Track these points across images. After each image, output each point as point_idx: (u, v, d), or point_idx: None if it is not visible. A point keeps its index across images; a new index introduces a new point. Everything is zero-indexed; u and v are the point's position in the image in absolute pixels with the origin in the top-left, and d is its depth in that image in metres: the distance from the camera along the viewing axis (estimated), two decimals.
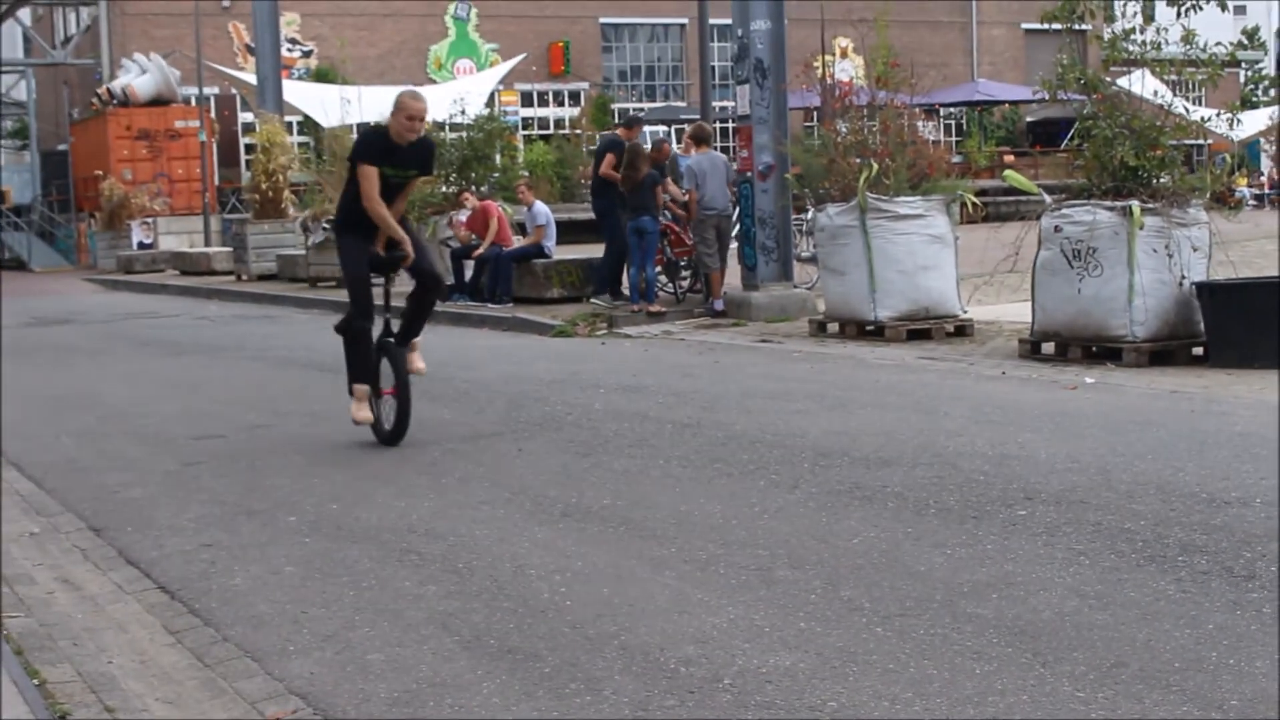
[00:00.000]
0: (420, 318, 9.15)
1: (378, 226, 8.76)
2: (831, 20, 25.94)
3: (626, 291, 17.31)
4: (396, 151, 8.74)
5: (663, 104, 50.10)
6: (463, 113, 23.29)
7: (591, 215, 19.52)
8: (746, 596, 5.30)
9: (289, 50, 40.56)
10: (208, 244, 34.24)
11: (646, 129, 22.84)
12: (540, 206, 19.82)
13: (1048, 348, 11.89)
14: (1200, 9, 11.80)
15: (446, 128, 25.74)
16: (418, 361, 9.09)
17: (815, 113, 22.38)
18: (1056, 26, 12.91)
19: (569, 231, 26.79)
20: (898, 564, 5.64)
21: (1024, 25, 51.34)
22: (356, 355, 8.92)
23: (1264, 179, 57.02)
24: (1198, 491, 6.63)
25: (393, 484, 7.69)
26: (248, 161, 33.95)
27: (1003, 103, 48.97)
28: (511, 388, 11.30)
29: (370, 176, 8.65)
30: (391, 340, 8.97)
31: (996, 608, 5.01)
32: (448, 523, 6.72)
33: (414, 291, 9.15)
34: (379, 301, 8.99)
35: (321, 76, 41.18)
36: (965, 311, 13.89)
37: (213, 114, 39.48)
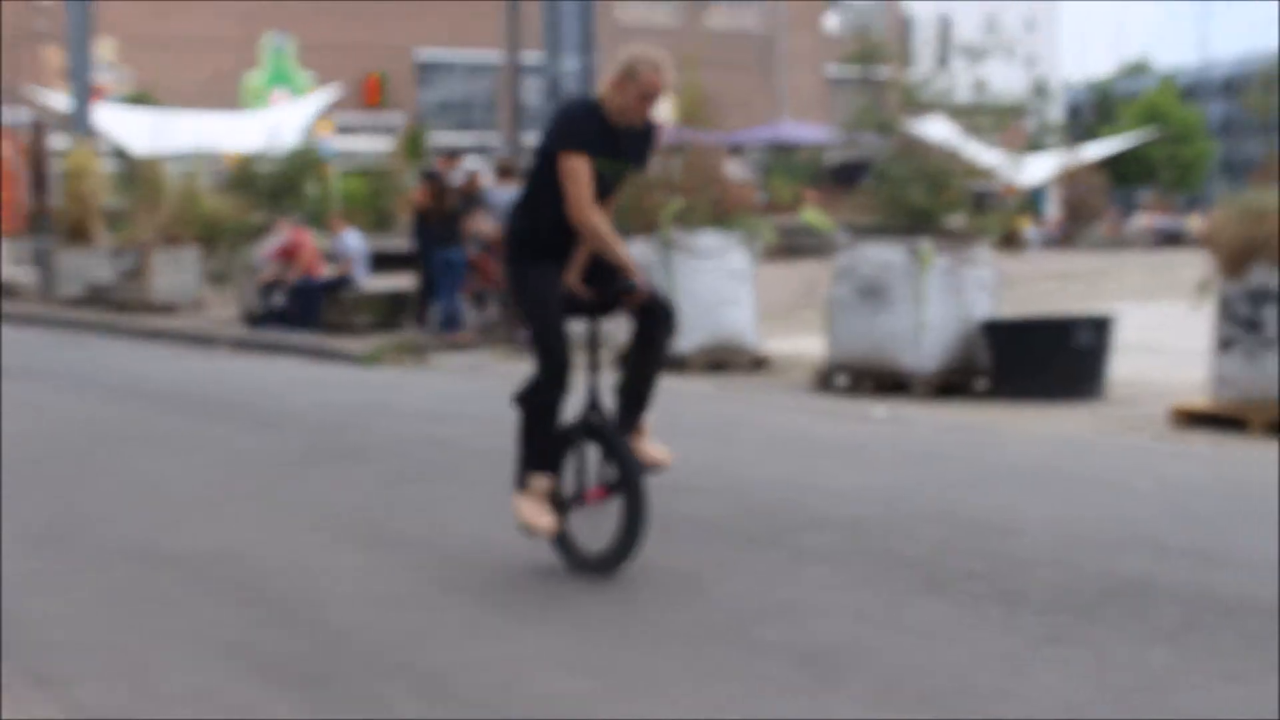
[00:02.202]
0: (649, 378, 6.29)
1: (569, 248, 6.09)
2: None
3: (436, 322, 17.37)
4: (617, 137, 5.99)
5: (476, 138, 50.12)
6: (276, 143, 23.16)
7: (403, 248, 19.56)
8: (543, 622, 5.42)
9: (106, 75, 39.75)
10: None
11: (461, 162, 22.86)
12: (351, 237, 19.79)
13: (841, 381, 12.24)
14: (986, 60, 12.28)
15: (262, 157, 25.53)
16: (653, 448, 6.26)
17: None
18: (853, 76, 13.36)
19: (382, 262, 26.64)
20: (691, 588, 5.82)
21: (829, 72, 52.55)
22: (540, 435, 6.13)
23: (1050, 222, 58.88)
24: (976, 520, 6.94)
25: (198, 511, 7.65)
26: (57, 186, 33.18)
27: (807, 144, 49.92)
28: (319, 416, 11.30)
29: (581, 173, 5.87)
30: (600, 418, 6.18)
31: (783, 632, 5.20)
32: (251, 549, 6.71)
33: (636, 337, 6.23)
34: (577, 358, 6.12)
35: (138, 102, 40.41)
36: (763, 345, 14.24)
37: (23, 138, 38.45)
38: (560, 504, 6.15)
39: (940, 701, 4.48)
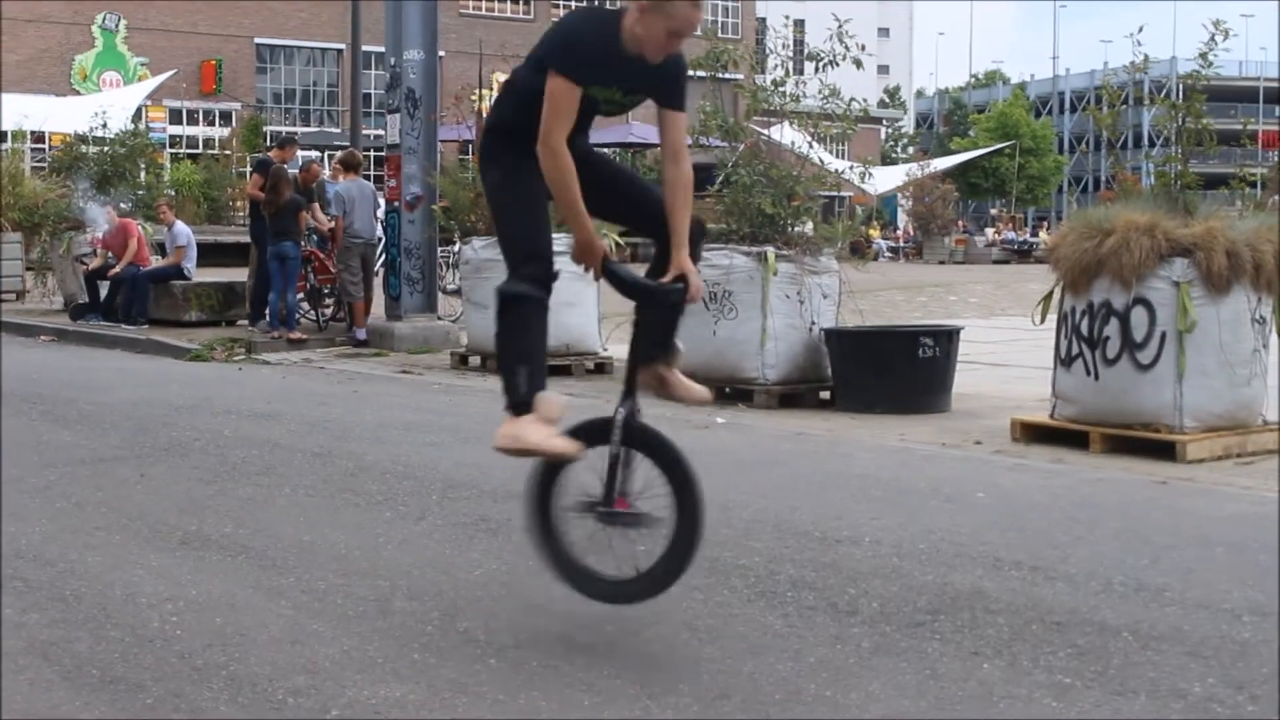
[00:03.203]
0: (667, 322, 5.39)
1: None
2: (490, 55, 26.03)
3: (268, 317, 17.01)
4: (625, 66, 4.93)
5: (317, 129, 49.52)
6: (104, 126, 22.57)
7: (237, 238, 19.21)
8: (362, 627, 5.23)
9: None
10: None
11: (299, 152, 22.57)
12: (181, 227, 19.37)
13: None
14: (837, 65, 12.26)
15: (90, 141, 24.89)
16: (691, 385, 5.42)
17: (470, 145, 22.49)
18: (703, 74, 13.26)
19: (214, 254, 26.20)
20: (517, 596, 5.67)
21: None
22: (526, 337, 5.10)
23: (899, 232, 59.82)
24: (811, 530, 6.86)
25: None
26: None
27: (655, 145, 50.04)
28: (140, 411, 10.94)
29: (564, 102, 4.84)
30: (632, 413, 5.16)
31: (610, 640, 5.07)
32: (58, 548, 6.43)
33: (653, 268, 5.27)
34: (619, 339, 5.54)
35: None
36: (605, 349, 14.10)
37: None
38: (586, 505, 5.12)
39: (767, 711, 4.38)
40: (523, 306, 5.05)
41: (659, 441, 5.04)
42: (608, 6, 5.14)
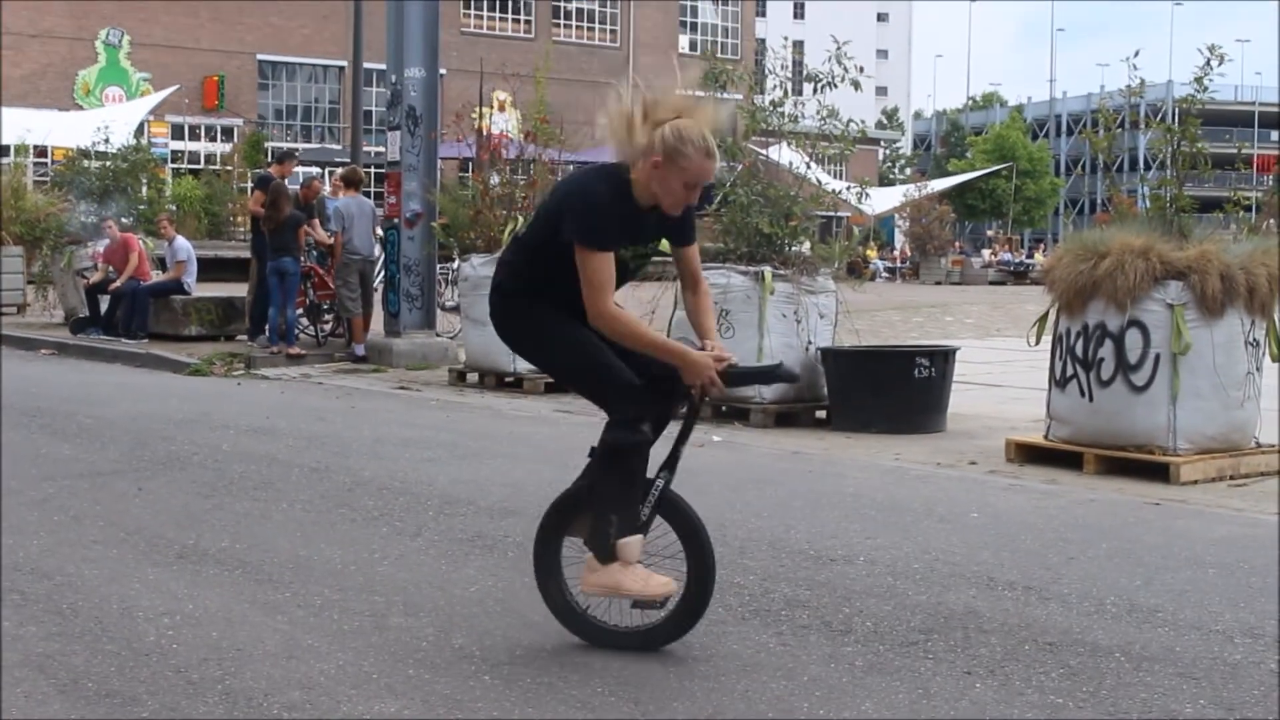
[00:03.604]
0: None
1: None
2: (491, 74, 26.12)
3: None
4: (644, 221, 5.00)
5: (318, 145, 49.60)
6: (106, 140, 22.62)
7: (238, 254, 19.27)
8: (357, 643, 5.24)
9: None
10: None
11: (300, 168, 22.63)
12: (181, 241, 19.40)
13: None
14: (835, 86, 12.30)
15: (92, 155, 24.95)
16: (595, 577, 5.15)
17: (470, 163, 22.54)
18: (702, 94, 13.29)
19: (215, 269, 26.26)
20: (512, 613, 5.68)
21: (678, 92, 52.72)
22: (627, 489, 5.05)
23: (896, 253, 59.87)
24: (806, 549, 6.89)
25: None
26: None
27: None
28: (138, 425, 10.96)
29: (605, 274, 4.87)
30: (668, 483, 5.17)
31: (604, 658, 5.08)
32: (56, 561, 6.45)
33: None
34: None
35: None
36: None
37: None
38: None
39: None
40: (630, 460, 5.01)
41: (685, 514, 5.16)
42: (608, 164, 5.05)
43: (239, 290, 19.79)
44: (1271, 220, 10.39)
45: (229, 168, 46.78)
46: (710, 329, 5.16)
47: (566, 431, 11.18)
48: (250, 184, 22.47)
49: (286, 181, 17.55)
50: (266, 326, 16.82)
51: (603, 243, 4.84)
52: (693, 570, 5.10)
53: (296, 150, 26.63)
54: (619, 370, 4.96)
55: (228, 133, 49.59)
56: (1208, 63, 9.84)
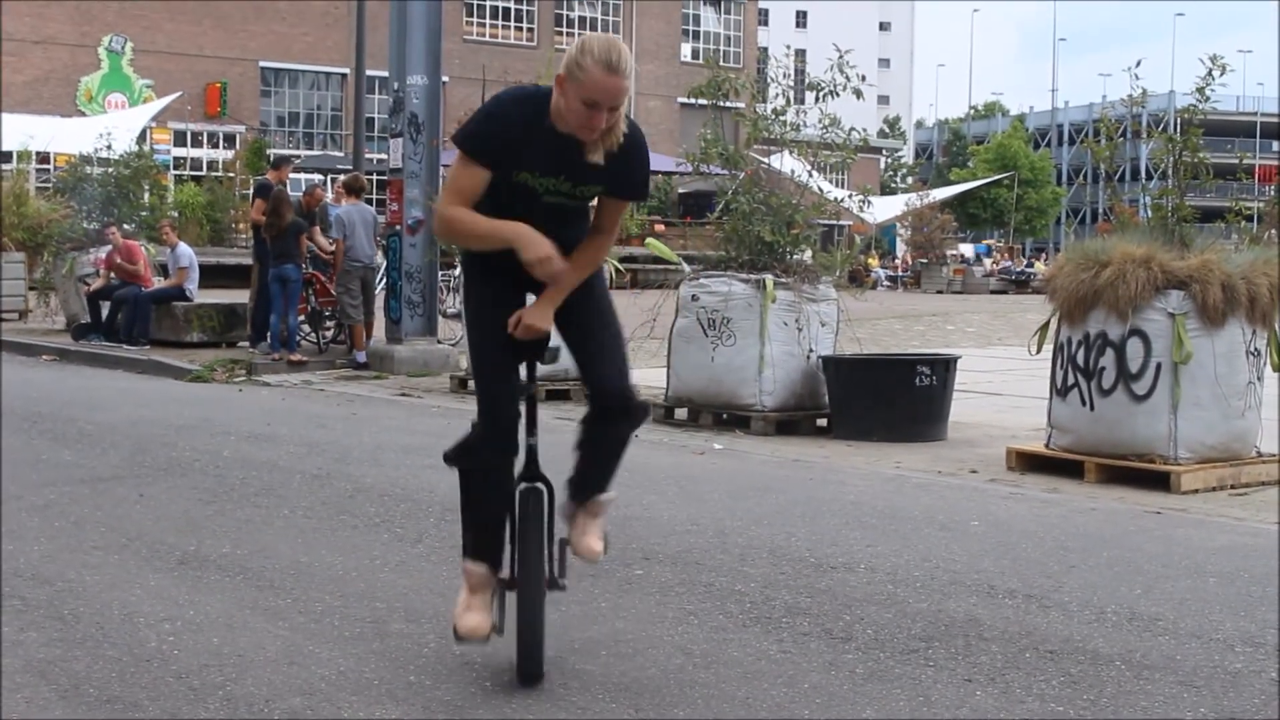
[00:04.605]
0: (605, 458, 5.26)
1: (514, 259, 4.58)
2: (493, 81, 26.14)
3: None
4: (562, 151, 4.54)
5: (320, 152, 49.62)
6: (109, 147, 22.64)
7: (240, 260, 19.29)
8: (359, 649, 5.25)
9: None
10: None
11: (302, 175, 22.63)
12: (184, 248, 19.42)
13: (681, 413, 12.18)
14: (837, 95, 12.31)
15: (94, 162, 24.97)
16: (590, 536, 5.13)
17: None
18: (703, 102, 13.31)
19: (216, 275, 26.28)
20: (512, 619, 5.67)
21: (679, 99, 52.86)
22: (478, 506, 4.93)
23: (898, 261, 59.87)
24: (806, 556, 6.89)
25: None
26: None
27: (654, 173, 50.11)
28: (139, 431, 10.97)
29: (461, 181, 4.58)
30: (541, 485, 5.08)
31: (604, 665, 5.09)
32: (57, 567, 6.45)
33: (589, 416, 5.13)
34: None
35: None
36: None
37: None
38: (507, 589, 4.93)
39: None
40: (464, 478, 4.94)
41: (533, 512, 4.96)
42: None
43: (241, 297, 19.82)
44: (1273, 230, 10.41)
45: (231, 174, 46.81)
46: (568, 278, 4.74)
47: (565, 439, 11.15)
48: (252, 191, 22.46)
49: (288, 188, 17.57)
50: (268, 333, 16.83)
51: (470, 145, 4.53)
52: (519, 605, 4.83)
53: (300, 158, 26.68)
54: (496, 378, 4.82)
55: (230, 140, 49.63)
56: (1209, 73, 9.85)
